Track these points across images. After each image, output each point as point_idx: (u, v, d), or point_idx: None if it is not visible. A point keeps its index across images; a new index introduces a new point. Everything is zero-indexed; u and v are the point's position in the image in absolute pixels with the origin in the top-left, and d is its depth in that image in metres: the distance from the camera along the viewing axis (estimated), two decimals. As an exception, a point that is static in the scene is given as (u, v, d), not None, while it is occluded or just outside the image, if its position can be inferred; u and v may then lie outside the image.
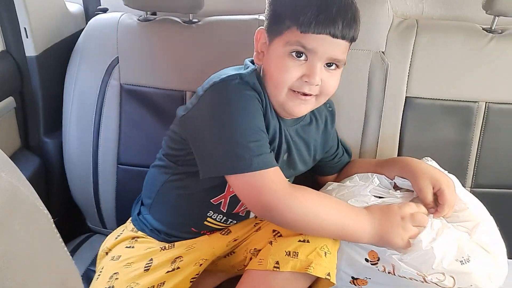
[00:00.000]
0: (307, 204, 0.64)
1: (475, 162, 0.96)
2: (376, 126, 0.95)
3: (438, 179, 0.71)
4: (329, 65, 0.66)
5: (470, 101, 0.95)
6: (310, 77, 0.63)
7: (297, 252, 0.65)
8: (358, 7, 0.65)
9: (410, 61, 0.94)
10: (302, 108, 0.68)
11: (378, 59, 0.94)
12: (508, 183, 0.97)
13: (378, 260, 0.69)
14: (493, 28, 0.96)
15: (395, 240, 0.65)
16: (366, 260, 0.71)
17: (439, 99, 0.95)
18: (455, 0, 1.13)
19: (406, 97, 0.95)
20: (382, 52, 0.94)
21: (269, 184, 0.62)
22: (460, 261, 0.65)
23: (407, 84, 0.94)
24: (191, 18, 0.99)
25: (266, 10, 0.70)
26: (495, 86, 0.94)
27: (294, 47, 0.63)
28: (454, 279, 0.65)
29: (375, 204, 0.71)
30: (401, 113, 0.95)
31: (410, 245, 0.66)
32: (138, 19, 0.99)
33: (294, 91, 0.66)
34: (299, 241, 0.67)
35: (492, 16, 0.94)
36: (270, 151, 0.66)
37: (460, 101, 0.95)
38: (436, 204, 0.71)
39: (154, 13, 1.07)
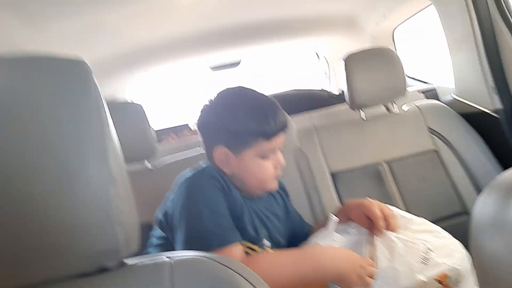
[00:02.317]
0: (259, 269, 0.71)
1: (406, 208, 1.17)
2: (318, 202, 1.16)
3: (360, 204, 0.85)
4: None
5: (375, 164, 1.24)
6: (281, 163, 0.86)
7: None
8: None
9: (321, 149, 1.25)
10: (276, 185, 0.89)
11: (298, 153, 1.24)
12: (438, 216, 1.16)
13: None
14: (363, 117, 1.36)
15: (353, 282, 0.74)
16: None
17: (352, 168, 1.23)
18: (333, 115, 1.58)
19: (330, 173, 1.21)
20: (299, 148, 1.25)
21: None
22: (422, 261, 0.77)
23: (327, 164, 1.22)
24: (148, 166, 1.20)
25: (219, 131, 0.83)
26: (385, 149, 1.27)
27: (266, 153, 0.84)
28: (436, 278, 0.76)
29: (341, 247, 0.83)
30: (332, 187, 1.19)
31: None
32: None
33: (274, 177, 0.87)
34: None
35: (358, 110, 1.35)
36: (233, 229, 0.76)
37: (367, 165, 1.24)
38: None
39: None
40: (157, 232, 0.86)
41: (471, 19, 1.14)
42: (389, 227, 0.81)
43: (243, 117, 0.81)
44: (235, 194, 0.82)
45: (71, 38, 1.30)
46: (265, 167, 0.84)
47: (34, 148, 0.32)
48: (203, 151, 1.17)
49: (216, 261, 0.38)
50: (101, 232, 0.34)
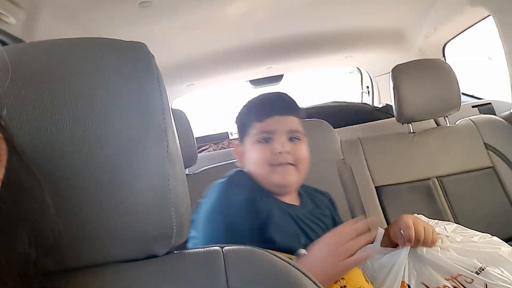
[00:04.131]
0: None
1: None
2: (361, 214, 1.10)
3: (398, 219, 0.76)
4: (291, 139, 0.84)
5: (425, 179, 1.17)
6: (278, 149, 0.80)
7: None
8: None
9: (366, 161, 1.19)
10: (286, 177, 0.81)
11: (341, 163, 1.19)
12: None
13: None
14: (411, 131, 1.30)
15: (337, 269, 0.66)
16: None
17: (399, 183, 1.16)
18: (379, 128, 1.53)
19: (375, 186, 1.15)
20: (342, 159, 1.20)
21: None
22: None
23: (371, 177, 1.16)
24: (186, 171, 1.21)
25: (236, 129, 0.91)
26: (436, 164, 1.20)
27: (260, 135, 0.82)
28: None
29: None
30: (377, 200, 1.13)
31: (354, 265, 0.67)
32: None
33: (272, 165, 0.81)
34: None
35: (406, 124, 1.29)
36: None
37: (416, 181, 1.17)
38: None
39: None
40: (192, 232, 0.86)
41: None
42: (420, 239, 0.72)
43: (245, 108, 0.89)
44: (263, 199, 0.79)
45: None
46: (259, 150, 0.81)
47: (95, 122, 0.32)
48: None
49: (271, 253, 0.35)
50: (154, 212, 0.33)
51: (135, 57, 0.36)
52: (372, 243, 0.79)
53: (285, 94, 0.92)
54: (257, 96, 0.92)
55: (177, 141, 0.36)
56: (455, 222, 1.07)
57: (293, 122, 0.85)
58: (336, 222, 0.93)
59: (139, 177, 0.32)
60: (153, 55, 0.37)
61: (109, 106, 0.33)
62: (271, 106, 0.85)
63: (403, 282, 0.72)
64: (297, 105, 0.90)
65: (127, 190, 0.32)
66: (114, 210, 0.33)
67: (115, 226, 0.34)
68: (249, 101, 0.91)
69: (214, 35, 1.54)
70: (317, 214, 0.89)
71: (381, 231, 0.80)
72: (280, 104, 0.86)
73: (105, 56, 0.35)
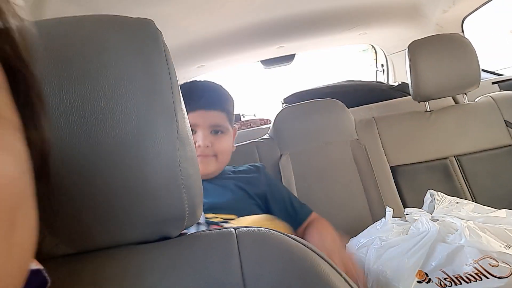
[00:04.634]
0: None
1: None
2: (377, 195, 1.08)
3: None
4: (216, 132, 0.88)
5: (442, 158, 1.14)
6: (198, 140, 0.85)
7: None
8: (223, 90, 0.93)
9: (381, 141, 1.17)
10: (204, 168, 0.86)
11: (355, 144, 1.16)
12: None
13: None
14: (428, 109, 1.26)
15: None
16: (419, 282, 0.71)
17: (415, 162, 1.13)
18: (394, 107, 1.49)
19: (390, 167, 1.13)
20: (356, 139, 1.18)
21: None
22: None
23: (386, 157, 1.14)
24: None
25: None
26: (453, 143, 1.17)
27: None
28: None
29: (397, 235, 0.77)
30: (392, 180, 1.10)
31: None
32: None
33: None
34: None
35: (422, 102, 1.25)
36: None
37: (433, 160, 1.14)
38: None
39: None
40: None
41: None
42: None
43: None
44: None
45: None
46: None
47: (102, 103, 0.31)
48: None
49: (285, 235, 0.34)
50: (166, 194, 0.33)
51: (142, 34, 0.34)
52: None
53: (215, 86, 0.93)
54: (185, 84, 0.93)
55: (187, 121, 0.35)
56: (473, 201, 1.05)
57: (217, 117, 0.88)
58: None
59: (148, 159, 0.31)
60: (160, 32, 0.36)
61: (116, 85, 0.31)
62: (196, 100, 0.87)
63: (419, 271, 0.71)
64: (225, 99, 0.92)
65: (136, 173, 0.32)
66: (124, 193, 0.32)
67: (125, 209, 0.33)
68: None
69: (223, 14, 1.50)
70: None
71: (390, 210, 0.79)
72: (206, 99, 0.88)
73: (111, 33, 0.34)
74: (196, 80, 0.96)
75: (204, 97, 0.88)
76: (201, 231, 0.37)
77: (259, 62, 2.14)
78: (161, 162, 0.32)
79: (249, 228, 0.35)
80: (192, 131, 0.88)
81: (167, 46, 0.36)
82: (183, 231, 0.38)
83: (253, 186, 0.90)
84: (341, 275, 0.33)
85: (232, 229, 0.35)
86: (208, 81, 0.95)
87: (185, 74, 2.06)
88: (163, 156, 0.32)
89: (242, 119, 2.07)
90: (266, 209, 0.89)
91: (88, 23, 0.35)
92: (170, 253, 0.35)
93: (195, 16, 1.46)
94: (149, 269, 0.34)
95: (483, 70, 1.75)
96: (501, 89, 1.44)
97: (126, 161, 0.32)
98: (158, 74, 0.33)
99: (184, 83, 0.96)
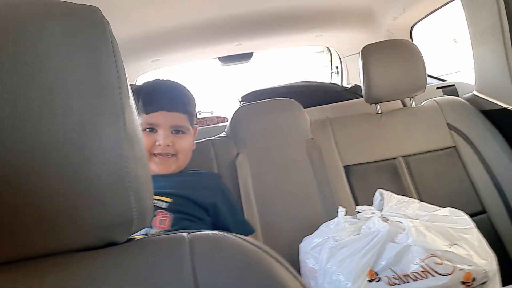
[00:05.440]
0: None
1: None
2: (330, 194, 1.11)
3: None
4: (177, 131, 0.90)
5: (391, 158, 1.19)
6: (159, 140, 0.87)
7: None
8: (186, 91, 0.94)
9: (334, 141, 1.20)
10: (163, 168, 0.88)
11: (310, 143, 1.18)
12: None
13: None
14: (378, 111, 1.31)
15: None
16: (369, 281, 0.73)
17: (367, 162, 1.18)
18: (348, 108, 1.54)
19: (343, 166, 1.16)
20: (311, 139, 1.20)
21: None
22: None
23: (339, 156, 1.17)
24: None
25: None
26: (401, 144, 1.22)
27: (145, 126, 0.87)
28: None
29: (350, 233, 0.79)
30: (345, 179, 1.14)
31: None
32: None
33: (152, 154, 0.88)
34: None
35: (373, 104, 1.30)
36: None
37: (383, 160, 1.19)
38: None
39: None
40: None
41: (499, 10, 1.09)
42: None
43: (135, 93, 0.90)
44: None
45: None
46: (144, 138, 0.87)
47: (39, 96, 0.28)
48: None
49: (240, 238, 0.33)
50: (111, 197, 0.30)
51: (87, 23, 0.31)
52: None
53: (178, 86, 0.94)
54: (148, 83, 0.94)
55: (137, 119, 0.33)
56: (419, 200, 1.11)
57: (178, 118, 0.90)
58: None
59: (92, 158, 0.29)
60: (108, 21, 0.33)
61: (55, 77, 0.28)
62: (158, 100, 0.88)
63: (370, 270, 0.73)
64: (188, 100, 0.93)
65: (79, 173, 0.29)
66: (66, 195, 0.30)
67: (67, 213, 0.30)
68: (140, 87, 0.94)
69: (181, 8, 1.46)
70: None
71: (342, 210, 0.82)
72: (168, 100, 0.89)
73: (50, 20, 0.30)
74: (159, 79, 0.95)
75: (167, 97, 0.89)
76: (151, 235, 0.35)
77: (217, 59, 2.11)
78: (106, 162, 0.29)
79: (203, 232, 0.34)
80: (153, 130, 0.87)
81: (116, 37, 0.33)
82: (132, 236, 0.35)
83: (203, 193, 0.91)
84: (296, 278, 0.32)
85: (184, 233, 0.34)
86: (171, 81, 0.95)
87: (139, 68, 1.98)
88: (108, 156, 0.29)
89: (199, 116, 2.03)
90: (212, 219, 0.91)
91: (25, 7, 0.31)
92: (116, 261, 0.32)
93: (148, 7, 1.41)
94: (93, 278, 0.31)
95: (429, 76, 1.86)
96: (444, 94, 1.53)
97: (67, 161, 0.29)
98: (104, 67, 0.30)
99: (147, 82, 0.96)
